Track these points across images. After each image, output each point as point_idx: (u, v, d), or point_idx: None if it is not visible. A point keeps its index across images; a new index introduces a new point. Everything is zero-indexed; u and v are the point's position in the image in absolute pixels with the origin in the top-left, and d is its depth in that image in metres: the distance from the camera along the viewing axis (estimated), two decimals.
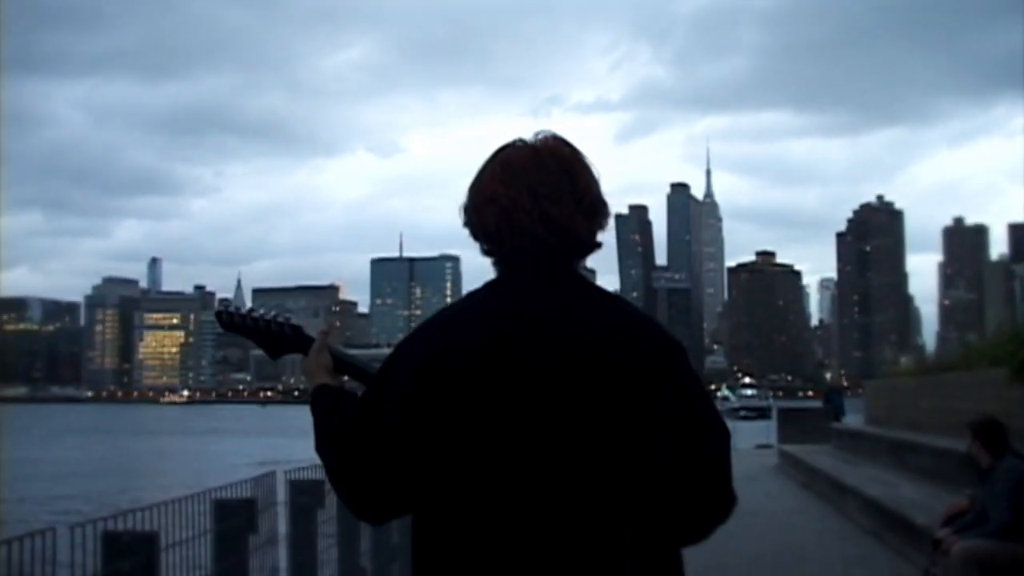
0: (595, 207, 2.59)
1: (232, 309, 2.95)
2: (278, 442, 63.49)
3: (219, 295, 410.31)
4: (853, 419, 32.69)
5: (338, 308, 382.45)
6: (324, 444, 2.63)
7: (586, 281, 2.59)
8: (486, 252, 2.62)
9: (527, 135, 2.66)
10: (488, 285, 2.61)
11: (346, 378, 2.82)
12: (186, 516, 5.19)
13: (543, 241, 2.53)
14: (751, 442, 40.59)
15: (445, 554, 2.44)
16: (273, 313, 2.95)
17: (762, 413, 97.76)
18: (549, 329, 2.47)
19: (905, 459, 18.34)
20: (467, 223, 2.63)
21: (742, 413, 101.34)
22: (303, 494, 6.89)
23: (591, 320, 2.50)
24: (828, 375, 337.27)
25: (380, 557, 7.99)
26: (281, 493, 6.67)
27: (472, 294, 2.62)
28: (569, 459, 2.40)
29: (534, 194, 2.53)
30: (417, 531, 2.49)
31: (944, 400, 19.34)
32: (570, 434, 2.41)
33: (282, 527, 6.70)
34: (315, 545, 6.94)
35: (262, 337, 2.93)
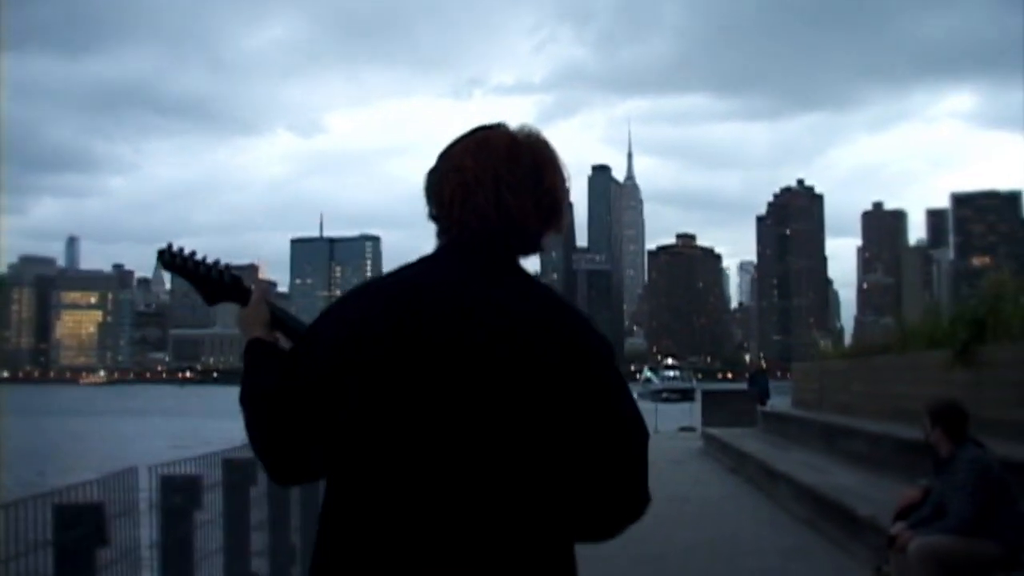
0: (553, 210, 2.60)
1: (176, 250, 2.94)
2: (201, 423, 62.88)
3: (138, 274, 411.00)
4: (778, 402, 32.25)
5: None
6: (248, 398, 2.58)
7: (523, 272, 2.61)
8: (433, 217, 2.64)
9: (512, 124, 2.67)
10: (423, 260, 2.61)
11: (279, 336, 2.80)
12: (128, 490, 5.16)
13: (491, 224, 2.54)
14: (674, 424, 40.15)
15: (344, 525, 2.44)
16: (215, 260, 2.94)
17: (685, 395, 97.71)
18: (475, 313, 2.48)
19: (837, 444, 17.68)
20: (426, 185, 2.65)
21: (664, 395, 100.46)
22: (236, 473, 6.83)
23: (520, 310, 2.50)
24: (747, 357, 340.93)
25: (311, 533, 7.57)
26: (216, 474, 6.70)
27: (407, 266, 2.60)
28: (478, 445, 2.41)
29: (498, 178, 2.55)
30: (325, 498, 2.50)
31: (877, 384, 18.76)
32: (481, 420, 2.42)
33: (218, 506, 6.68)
34: (247, 523, 6.92)
35: (201, 281, 2.92)
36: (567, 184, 2.64)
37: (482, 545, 2.38)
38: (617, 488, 2.51)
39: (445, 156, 2.64)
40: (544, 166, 2.60)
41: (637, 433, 2.54)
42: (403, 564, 2.37)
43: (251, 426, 2.57)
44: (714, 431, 27.58)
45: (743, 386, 41.25)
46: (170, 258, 2.94)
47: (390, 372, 2.42)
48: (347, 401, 2.43)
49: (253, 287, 2.91)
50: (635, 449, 2.53)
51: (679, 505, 15.23)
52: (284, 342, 2.75)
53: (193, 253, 2.94)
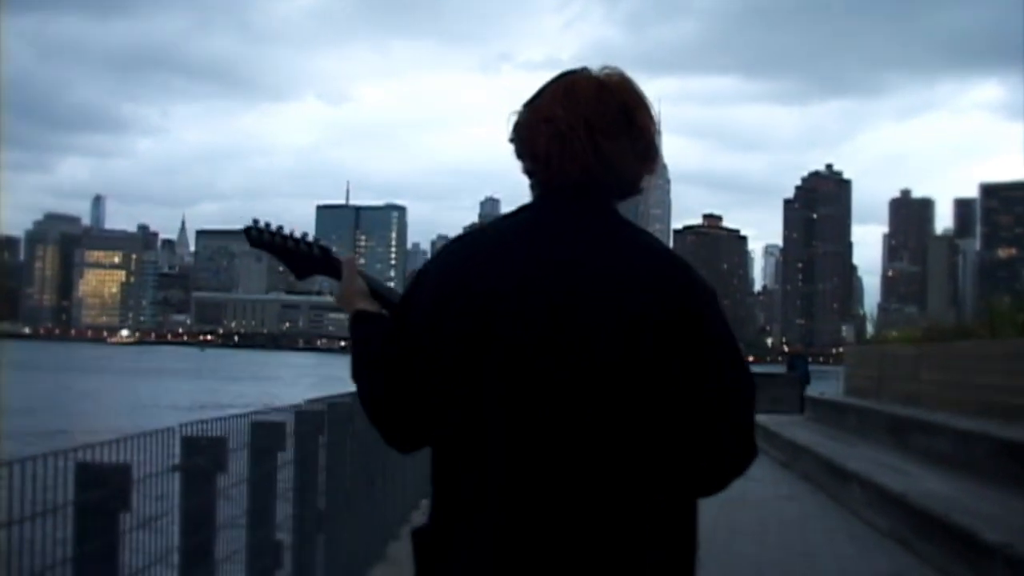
0: (647, 151, 2.59)
1: (263, 225, 2.89)
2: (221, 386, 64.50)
3: (162, 235, 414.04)
4: (824, 388, 30.37)
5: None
6: (362, 369, 2.61)
7: (624, 219, 2.58)
8: (528, 172, 2.61)
9: (594, 68, 2.61)
10: (524, 208, 2.58)
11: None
12: (153, 451, 4.84)
13: (591, 171, 2.51)
14: None
15: (453, 489, 2.45)
16: (303, 233, 2.91)
17: None
18: (581, 262, 2.45)
19: (911, 440, 15.69)
20: (514, 139, 2.61)
21: None
22: (263, 437, 6.57)
23: (626, 257, 2.47)
24: (770, 341, 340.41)
25: (337, 501, 7.90)
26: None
27: (507, 216, 2.60)
28: (581, 399, 2.38)
29: (590, 125, 2.52)
30: (432, 459, 2.50)
31: (956, 373, 16.75)
32: (590, 372, 2.39)
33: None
34: (274, 489, 6.75)
35: (290, 256, 2.89)
36: (656, 122, 2.59)
37: (587, 503, 2.36)
38: (726, 441, 2.46)
39: (531, 107, 2.59)
40: (635, 108, 2.57)
41: (744, 382, 2.49)
42: (512, 526, 2.36)
43: (366, 398, 2.61)
44: (757, 417, 25.41)
45: (779, 369, 39.16)
46: (257, 234, 2.89)
47: (489, 329, 2.40)
48: (448, 362, 2.43)
49: (342, 259, 2.87)
50: (743, 399, 2.49)
51: (735, 509, 12.66)
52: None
53: (280, 228, 2.88)
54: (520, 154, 2.59)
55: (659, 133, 2.59)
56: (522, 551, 2.35)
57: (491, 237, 2.53)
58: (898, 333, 30.28)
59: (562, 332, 2.38)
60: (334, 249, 3.00)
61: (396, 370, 2.50)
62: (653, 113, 2.59)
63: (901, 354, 20.86)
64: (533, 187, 2.60)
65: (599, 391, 2.37)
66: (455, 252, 2.53)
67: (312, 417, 7.49)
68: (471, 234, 2.57)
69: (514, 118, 2.62)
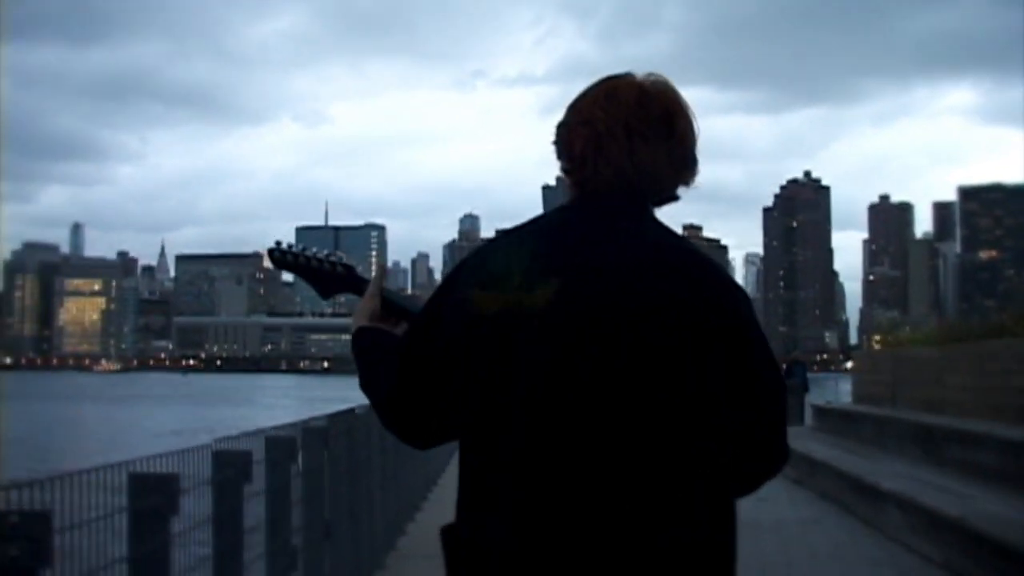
0: (685, 159, 2.56)
1: (285, 247, 2.92)
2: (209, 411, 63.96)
3: (142, 262, 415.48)
4: (823, 396, 28.93)
5: (262, 276, 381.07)
6: (365, 379, 2.67)
7: (659, 222, 2.55)
8: (566, 171, 2.58)
9: (639, 74, 2.59)
10: (560, 210, 2.58)
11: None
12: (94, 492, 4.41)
13: (625, 175, 2.50)
14: None
15: (479, 489, 2.44)
16: (325, 252, 2.94)
17: None
18: (613, 263, 2.42)
19: (946, 453, 13.98)
20: (556, 140, 2.60)
21: None
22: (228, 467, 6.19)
23: (659, 260, 2.44)
24: None
25: (313, 533, 7.67)
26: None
27: (539, 218, 2.60)
28: (620, 402, 2.33)
29: (629, 128, 2.50)
30: (460, 461, 2.50)
31: (989, 376, 15.10)
32: (623, 377, 2.34)
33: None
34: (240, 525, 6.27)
35: (314, 275, 2.92)
36: (696, 132, 2.57)
37: (616, 500, 2.31)
38: (759, 443, 2.45)
39: (573, 109, 2.58)
40: (675, 115, 2.54)
41: (779, 383, 2.49)
42: (539, 520, 2.33)
43: (376, 404, 2.64)
44: None
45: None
46: (280, 255, 2.91)
47: (517, 328, 2.39)
48: (468, 363, 2.43)
49: (372, 277, 2.89)
50: (779, 400, 2.48)
51: (753, 534, 11.09)
52: (402, 329, 2.72)
53: (304, 248, 2.91)
54: (559, 154, 2.59)
55: (697, 141, 2.57)
56: (549, 544, 2.31)
57: (523, 237, 2.51)
58: (912, 334, 28.50)
59: (592, 332, 2.35)
60: (359, 268, 2.98)
61: (414, 372, 2.52)
62: (695, 123, 2.58)
63: (920, 357, 19.19)
64: (569, 188, 2.58)
65: (627, 391, 2.33)
66: (486, 252, 2.54)
67: (283, 443, 7.11)
68: (504, 235, 2.58)
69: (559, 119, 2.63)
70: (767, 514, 12.75)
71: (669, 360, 2.34)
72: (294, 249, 2.91)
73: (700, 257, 2.49)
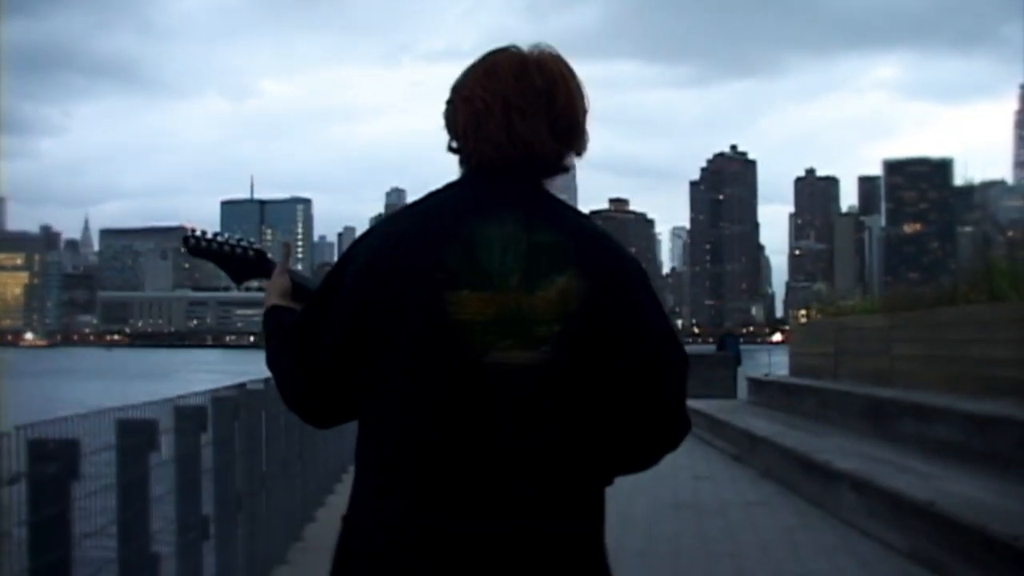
0: (569, 130, 2.52)
1: (199, 233, 2.92)
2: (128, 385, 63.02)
3: (65, 236, 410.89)
4: (755, 367, 28.12)
5: (184, 249, 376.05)
6: (272, 355, 2.62)
7: (551, 196, 2.53)
8: (452, 149, 2.57)
9: (523, 44, 2.57)
10: (449, 186, 2.55)
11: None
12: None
13: (505, 151, 2.47)
14: None
15: (376, 463, 2.42)
16: (238, 237, 2.93)
17: None
18: (504, 238, 2.42)
19: (900, 428, 13.00)
20: (445, 115, 2.58)
21: None
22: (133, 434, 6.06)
23: (551, 233, 2.43)
24: (680, 323, 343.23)
25: (226, 504, 7.59)
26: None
27: (433, 193, 2.56)
28: (508, 372, 2.35)
29: (507, 103, 2.47)
30: (358, 435, 2.48)
31: (941, 346, 14.17)
32: (511, 345, 2.36)
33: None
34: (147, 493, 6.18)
35: (227, 261, 2.91)
36: (585, 102, 2.55)
37: (514, 478, 2.32)
38: (656, 413, 2.47)
39: (456, 86, 2.56)
40: (555, 84, 2.50)
41: (674, 354, 2.48)
42: (435, 502, 2.32)
43: (279, 382, 2.60)
44: (691, 403, 22.75)
45: (707, 349, 36.66)
46: (194, 242, 2.91)
47: (412, 303, 2.37)
48: (370, 340, 2.40)
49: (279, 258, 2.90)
50: (674, 370, 2.48)
51: (695, 519, 10.38)
52: None
53: (216, 235, 2.92)
54: (447, 130, 2.58)
55: (586, 111, 2.54)
56: (449, 529, 2.31)
57: (416, 214, 2.50)
58: (858, 303, 27.49)
59: (492, 307, 2.36)
60: (269, 255, 2.93)
61: (309, 347, 2.48)
62: (580, 91, 2.54)
63: (865, 326, 18.15)
64: (460, 164, 2.56)
65: (527, 366, 2.34)
66: (380, 230, 2.52)
67: (192, 413, 7.04)
68: (397, 213, 2.55)
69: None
70: (708, 495, 11.92)
71: (567, 335, 2.34)
72: (208, 236, 2.91)
73: (597, 232, 2.50)
